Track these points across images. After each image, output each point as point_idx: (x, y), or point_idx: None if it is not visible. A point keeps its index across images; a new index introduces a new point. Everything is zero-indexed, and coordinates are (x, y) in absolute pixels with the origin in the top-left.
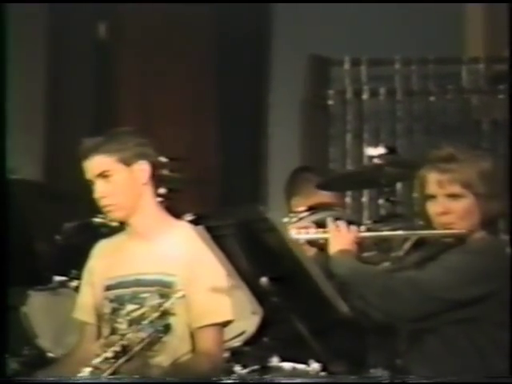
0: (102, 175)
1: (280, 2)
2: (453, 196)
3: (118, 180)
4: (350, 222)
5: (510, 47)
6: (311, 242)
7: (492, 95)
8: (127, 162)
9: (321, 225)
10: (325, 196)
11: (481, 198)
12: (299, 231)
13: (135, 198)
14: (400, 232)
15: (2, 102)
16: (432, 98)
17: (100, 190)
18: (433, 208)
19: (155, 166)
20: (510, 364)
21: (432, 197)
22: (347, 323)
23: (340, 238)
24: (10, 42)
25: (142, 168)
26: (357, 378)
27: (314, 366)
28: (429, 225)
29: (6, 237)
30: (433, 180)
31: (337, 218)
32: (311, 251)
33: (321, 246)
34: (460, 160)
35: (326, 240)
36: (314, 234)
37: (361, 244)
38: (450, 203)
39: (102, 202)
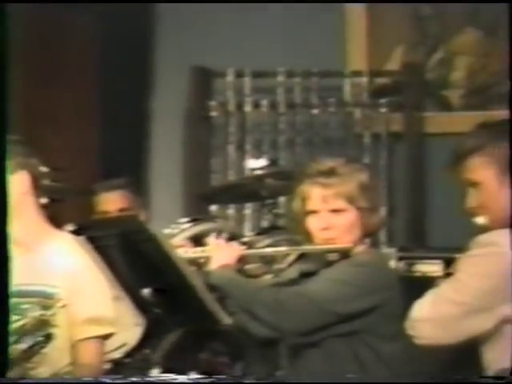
0: None
1: (164, 2)
2: (336, 211)
3: None
4: (232, 235)
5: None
6: (190, 261)
7: (374, 109)
8: None
9: (202, 237)
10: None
11: (362, 212)
12: (177, 249)
13: (13, 207)
14: (284, 248)
15: None
16: (314, 111)
17: None
18: (315, 223)
19: (36, 176)
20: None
21: (314, 212)
22: (228, 335)
23: (221, 255)
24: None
25: (21, 178)
26: None
27: (195, 377)
28: (309, 239)
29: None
30: (315, 195)
31: (219, 231)
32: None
33: (200, 265)
34: (341, 174)
35: (207, 258)
36: (193, 253)
37: (243, 258)
38: (332, 218)
39: None
